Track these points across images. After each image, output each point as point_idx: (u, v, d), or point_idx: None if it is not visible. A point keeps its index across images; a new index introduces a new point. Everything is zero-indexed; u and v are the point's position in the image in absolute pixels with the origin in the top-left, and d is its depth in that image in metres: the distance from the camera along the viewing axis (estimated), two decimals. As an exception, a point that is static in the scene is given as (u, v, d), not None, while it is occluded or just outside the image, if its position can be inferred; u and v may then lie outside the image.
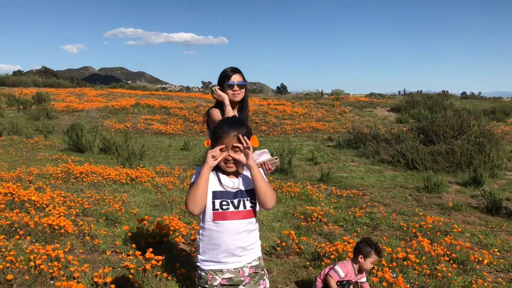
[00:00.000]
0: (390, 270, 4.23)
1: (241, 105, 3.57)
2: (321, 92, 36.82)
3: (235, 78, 3.42)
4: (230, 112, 3.37)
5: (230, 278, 2.26)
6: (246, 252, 2.29)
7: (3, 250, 4.15)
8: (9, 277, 3.61)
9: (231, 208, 2.27)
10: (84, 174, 8.17)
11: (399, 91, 49.79)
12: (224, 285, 2.26)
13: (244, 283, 2.29)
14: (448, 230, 5.89)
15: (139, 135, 16.23)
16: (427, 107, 22.79)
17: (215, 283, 2.25)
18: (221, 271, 2.25)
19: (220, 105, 3.48)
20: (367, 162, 12.00)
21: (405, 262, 4.44)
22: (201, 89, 75.55)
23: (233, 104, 3.48)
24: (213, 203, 2.26)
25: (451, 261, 4.69)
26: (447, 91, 37.83)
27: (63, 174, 8.17)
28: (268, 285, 2.41)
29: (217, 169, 2.32)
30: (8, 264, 3.76)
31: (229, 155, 2.25)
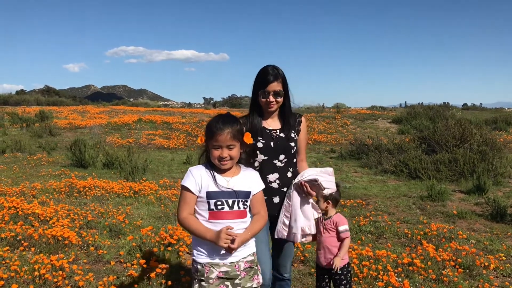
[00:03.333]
0: (396, 275, 4.21)
1: (281, 113, 3.11)
2: (323, 105, 36.90)
3: (273, 87, 2.94)
4: None
5: (227, 272, 2.27)
6: (241, 247, 2.30)
7: (8, 261, 4.15)
8: (14, 286, 3.60)
9: (226, 208, 2.29)
10: (87, 188, 8.18)
11: (400, 104, 49.86)
12: (221, 278, 2.27)
13: (240, 277, 2.30)
14: (453, 236, 5.87)
15: (142, 150, 16.26)
16: (428, 118, 22.81)
17: (212, 276, 2.25)
18: (217, 264, 2.27)
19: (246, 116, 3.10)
20: (370, 173, 11.99)
21: (410, 267, 4.43)
22: (202, 105, 75.85)
23: (268, 113, 3.09)
24: (208, 203, 2.28)
25: (457, 266, 4.66)
26: (448, 103, 37.93)
27: (67, 188, 8.18)
28: (261, 280, 2.42)
29: (212, 167, 2.33)
30: (12, 274, 3.76)
31: (224, 153, 2.26)
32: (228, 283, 2.27)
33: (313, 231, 3.07)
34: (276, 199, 3.02)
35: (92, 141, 16.21)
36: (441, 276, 4.31)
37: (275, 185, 3.01)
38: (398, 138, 16.33)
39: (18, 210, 6.02)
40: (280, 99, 3.00)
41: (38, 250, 4.64)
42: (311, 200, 3.05)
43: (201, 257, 2.29)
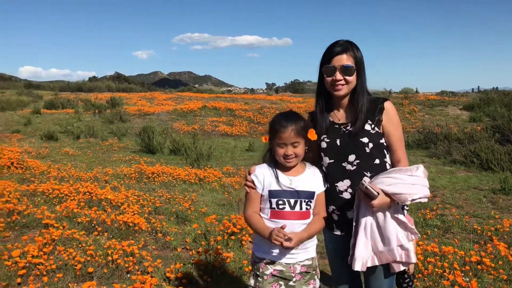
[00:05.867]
0: (463, 274, 4.07)
1: (351, 100, 2.36)
2: (389, 91, 35.77)
3: (340, 60, 2.25)
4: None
5: (281, 271, 2.27)
6: (300, 250, 2.29)
7: (84, 245, 4.44)
8: (90, 270, 3.86)
9: (287, 208, 2.25)
10: (155, 174, 8.53)
11: (473, 89, 47.33)
12: (275, 276, 2.27)
13: (294, 279, 2.29)
14: (527, 234, 5.57)
15: (206, 137, 16.66)
16: (503, 105, 21.52)
17: (267, 272, 2.27)
18: (273, 262, 2.28)
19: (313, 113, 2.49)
20: (438, 163, 11.56)
21: (479, 266, 4.26)
22: (265, 91, 76.12)
23: (337, 100, 2.39)
24: (270, 201, 2.28)
25: (531, 267, 4.42)
26: (526, 87, 35.52)
27: (136, 174, 8.57)
28: (318, 285, 2.37)
29: (276, 164, 2.32)
30: (88, 258, 4.03)
31: (289, 151, 2.23)
32: (282, 282, 2.28)
33: (398, 256, 2.17)
34: (350, 214, 2.30)
35: (160, 127, 16.80)
36: (513, 277, 4.12)
37: (347, 195, 2.30)
38: (469, 127, 15.58)
39: (92, 195, 6.40)
40: (350, 78, 2.27)
41: (111, 236, 4.93)
42: (400, 217, 2.17)
43: (259, 252, 2.33)
